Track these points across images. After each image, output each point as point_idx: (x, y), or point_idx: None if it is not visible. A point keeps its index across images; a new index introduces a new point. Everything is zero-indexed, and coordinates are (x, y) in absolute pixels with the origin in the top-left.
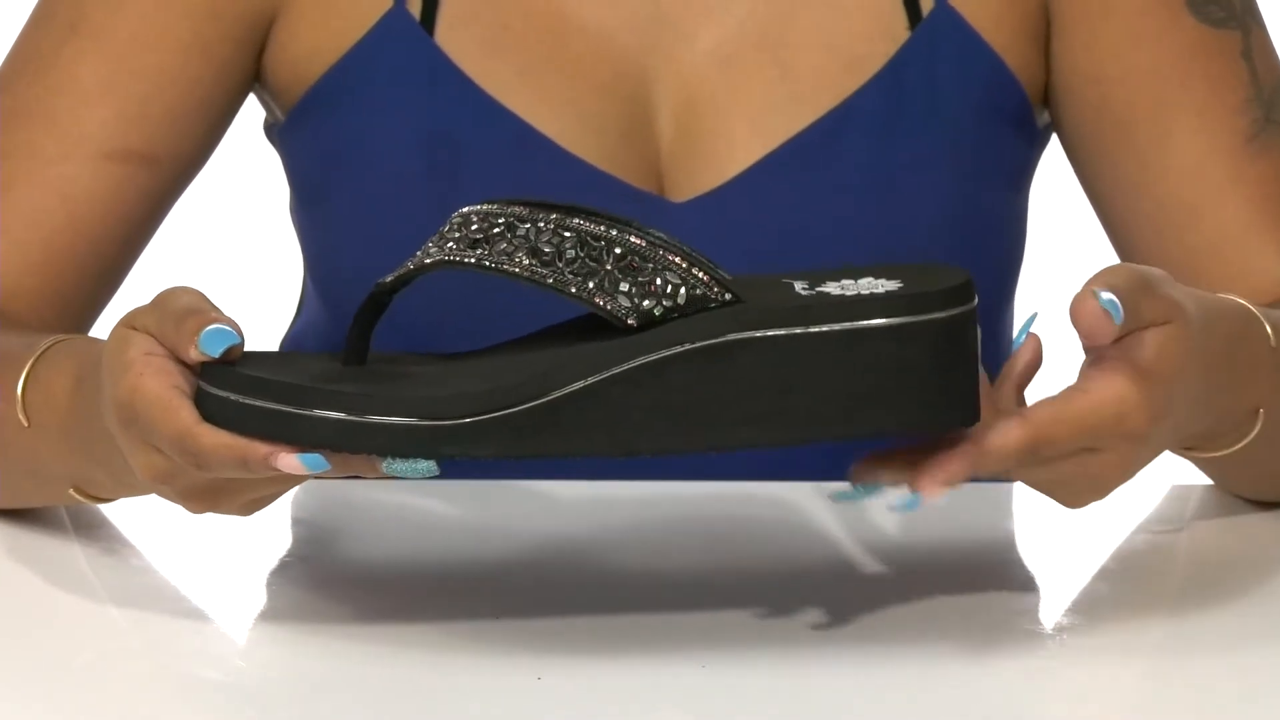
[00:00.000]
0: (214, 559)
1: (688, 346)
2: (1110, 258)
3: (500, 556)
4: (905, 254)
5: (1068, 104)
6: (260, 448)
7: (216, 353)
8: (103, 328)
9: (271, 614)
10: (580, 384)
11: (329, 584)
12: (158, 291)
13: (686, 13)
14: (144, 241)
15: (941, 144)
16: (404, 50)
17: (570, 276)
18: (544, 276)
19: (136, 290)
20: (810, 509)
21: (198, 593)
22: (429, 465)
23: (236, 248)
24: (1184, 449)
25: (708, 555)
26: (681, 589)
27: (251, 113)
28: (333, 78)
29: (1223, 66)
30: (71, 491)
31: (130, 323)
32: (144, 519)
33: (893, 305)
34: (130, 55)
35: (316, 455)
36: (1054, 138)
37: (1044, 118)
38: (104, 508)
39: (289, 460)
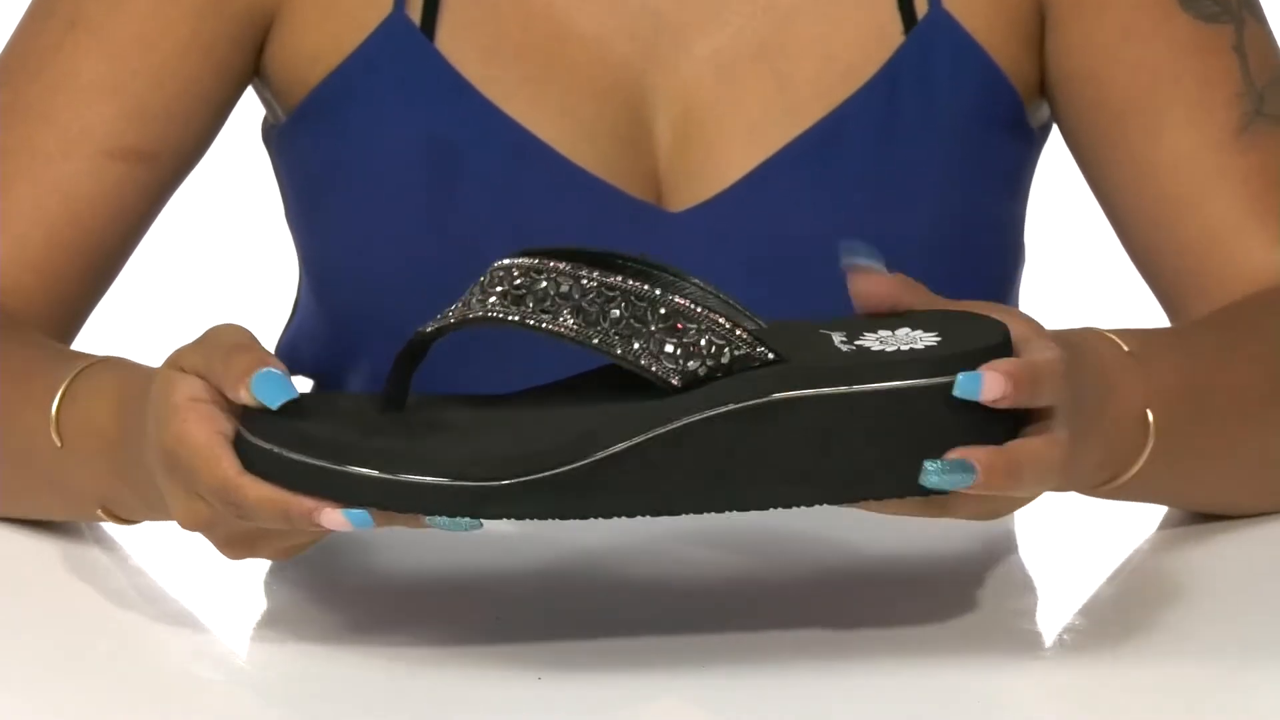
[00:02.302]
0: (214, 560)
1: (731, 407)
2: (1112, 257)
3: (500, 557)
4: (902, 260)
5: (1063, 100)
6: (305, 503)
7: (275, 404)
8: (99, 328)
9: (271, 615)
10: (623, 445)
11: (329, 585)
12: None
13: (685, 21)
14: (139, 237)
15: (937, 148)
16: (406, 56)
17: (615, 338)
18: (589, 338)
19: (137, 290)
20: (809, 510)
21: (198, 593)
22: (473, 520)
23: (233, 248)
24: (1105, 482)
25: (707, 556)
26: (681, 590)
27: (250, 116)
28: (334, 82)
29: (1214, 61)
30: (99, 511)
31: (177, 363)
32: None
33: (936, 365)
34: (130, 53)
35: (363, 512)
36: (1051, 140)
37: (1037, 118)
38: None
39: (334, 517)
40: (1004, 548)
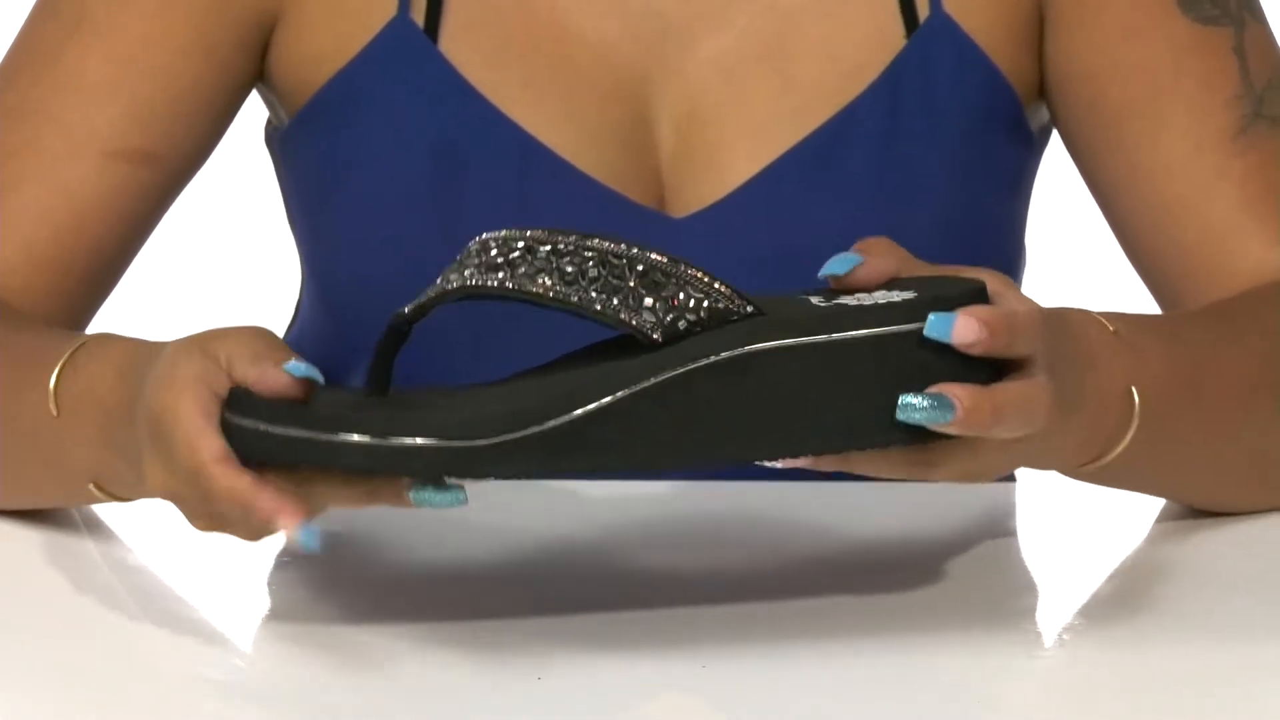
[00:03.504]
0: (214, 559)
1: (713, 359)
2: (1112, 258)
3: (500, 556)
4: None
5: (1062, 101)
6: (266, 504)
7: (298, 374)
8: (104, 329)
9: (271, 614)
10: (608, 400)
11: (328, 584)
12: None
13: (688, 23)
14: (144, 238)
15: (938, 151)
16: (410, 59)
17: (594, 295)
18: (567, 296)
19: (141, 292)
20: (810, 508)
21: (198, 593)
22: (456, 495)
23: (236, 251)
24: (1090, 461)
25: (707, 554)
26: (681, 588)
27: (253, 118)
28: (338, 84)
29: (1213, 63)
30: (91, 487)
31: (206, 345)
32: (143, 519)
33: (912, 310)
34: (136, 54)
35: (313, 530)
36: (1051, 142)
37: (1037, 120)
38: (102, 507)
39: (291, 529)
40: (1005, 546)
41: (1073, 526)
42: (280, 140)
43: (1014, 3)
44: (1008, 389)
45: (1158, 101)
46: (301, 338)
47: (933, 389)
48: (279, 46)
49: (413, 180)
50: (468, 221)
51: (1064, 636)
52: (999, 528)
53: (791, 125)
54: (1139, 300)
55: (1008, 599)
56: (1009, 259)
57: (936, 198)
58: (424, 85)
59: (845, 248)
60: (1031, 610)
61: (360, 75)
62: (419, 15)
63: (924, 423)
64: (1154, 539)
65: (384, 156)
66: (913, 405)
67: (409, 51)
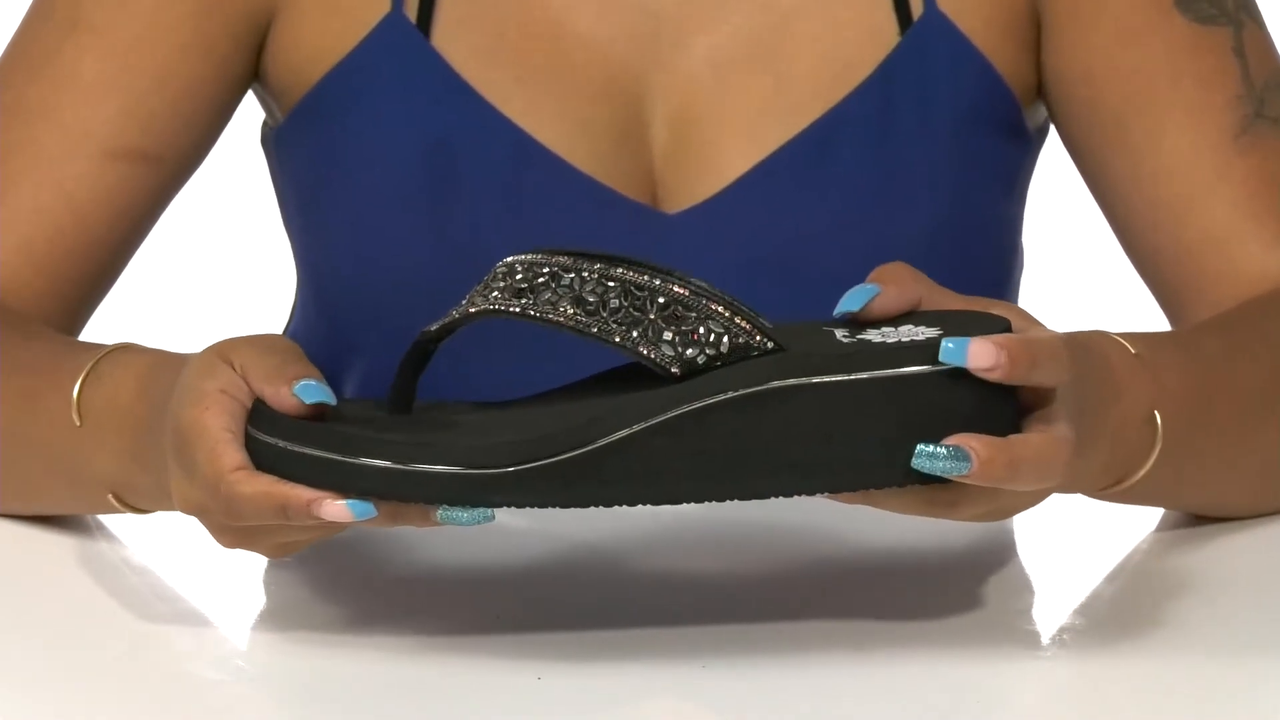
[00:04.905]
0: (214, 559)
1: (730, 395)
2: (1112, 258)
3: (500, 557)
4: (900, 260)
5: (1060, 103)
6: (303, 495)
7: (309, 399)
8: (100, 330)
9: (271, 614)
10: (624, 433)
11: (328, 584)
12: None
13: (681, 20)
14: (142, 238)
15: (932, 149)
16: (404, 55)
17: (614, 326)
18: (588, 326)
19: (139, 293)
20: (809, 509)
21: (198, 592)
22: (484, 511)
23: (232, 251)
24: (1112, 484)
25: (707, 555)
26: (681, 589)
27: (249, 118)
28: (332, 81)
29: (1212, 63)
30: (110, 498)
31: (226, 354)
32: (143, 519)
33: (932, 351)
34: (133, 53)
35: (366, 503)
36: (1049, 142)
37: (1034, 120)
38: None
39: (335, 508)
40: (1004, 547)
41: (1072, 528)
42: (275, 138)
43: (1010, 2)
44: (1026, 443)
45: (1157, 102)
46: (295, 335)
47: (950, 440)
48: (274, 44)
49: (406, 176)
50: (461, 217)
51: (1063, 636)
52: (999, 528)
53: (784, 122)
54: (1138, 299)
55: (1008, 598)
56: (1004, 258)
57: (929, 195)
58: (418, 81)
59: (836, 245)
60: (1031, 610)
61: (354, 71)
62: (412, 11)
63: (940, 473)
64: (1154, 540)
65: (378, 152)
66: (929, 454)
67: (403, 47)
